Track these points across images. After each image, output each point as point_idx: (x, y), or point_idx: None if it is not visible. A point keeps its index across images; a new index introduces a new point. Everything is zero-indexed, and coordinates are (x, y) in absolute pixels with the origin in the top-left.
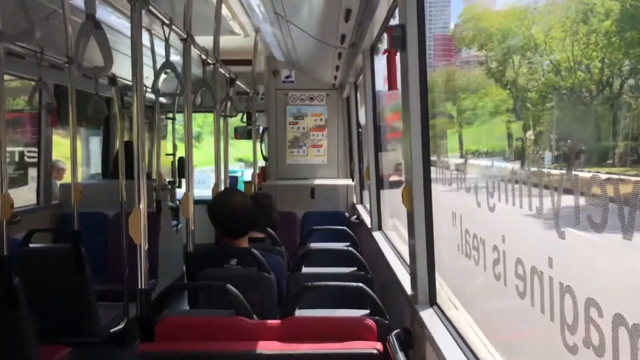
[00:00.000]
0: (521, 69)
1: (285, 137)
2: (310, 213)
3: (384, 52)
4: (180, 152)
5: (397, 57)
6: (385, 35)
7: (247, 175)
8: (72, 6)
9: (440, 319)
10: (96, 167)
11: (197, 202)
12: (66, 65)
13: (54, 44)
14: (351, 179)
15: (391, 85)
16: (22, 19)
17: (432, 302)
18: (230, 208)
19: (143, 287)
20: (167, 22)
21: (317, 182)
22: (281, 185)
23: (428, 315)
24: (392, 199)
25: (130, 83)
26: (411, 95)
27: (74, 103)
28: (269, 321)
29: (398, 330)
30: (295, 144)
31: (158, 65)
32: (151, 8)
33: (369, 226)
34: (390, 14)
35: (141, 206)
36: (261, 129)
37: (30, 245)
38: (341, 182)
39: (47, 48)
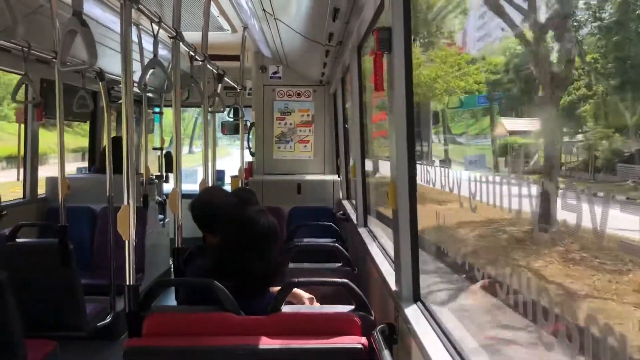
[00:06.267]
0: None
1: (272, 133)
2: (296, 208)
3: (371, 54)
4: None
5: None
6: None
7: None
8: (59, 1)
9: (424, 315)
10: None
11: (185, 196)
12: (53, 60)
13: (41, 39)
14: (337, 175)
15: (377, 86)
16: (6, 14)
17: (416, 297)
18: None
19: (131, 283)
20: (157, 20)
21: (304, 177)
22: (268, 180)
23: (412, 311)
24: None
25: (117, 77)
26: (397, 96)
27: (62, 98)
28: (256, 317)
29: (382, 325)
30: (282, 139)
31: (146, 60)
32: (141, 6)
33: (355, 222)
34: (377, 15)
35: (130, 202)
36: (248, 124)
37: (17, 239)
38: (328, 177)
39: (34, 43)
